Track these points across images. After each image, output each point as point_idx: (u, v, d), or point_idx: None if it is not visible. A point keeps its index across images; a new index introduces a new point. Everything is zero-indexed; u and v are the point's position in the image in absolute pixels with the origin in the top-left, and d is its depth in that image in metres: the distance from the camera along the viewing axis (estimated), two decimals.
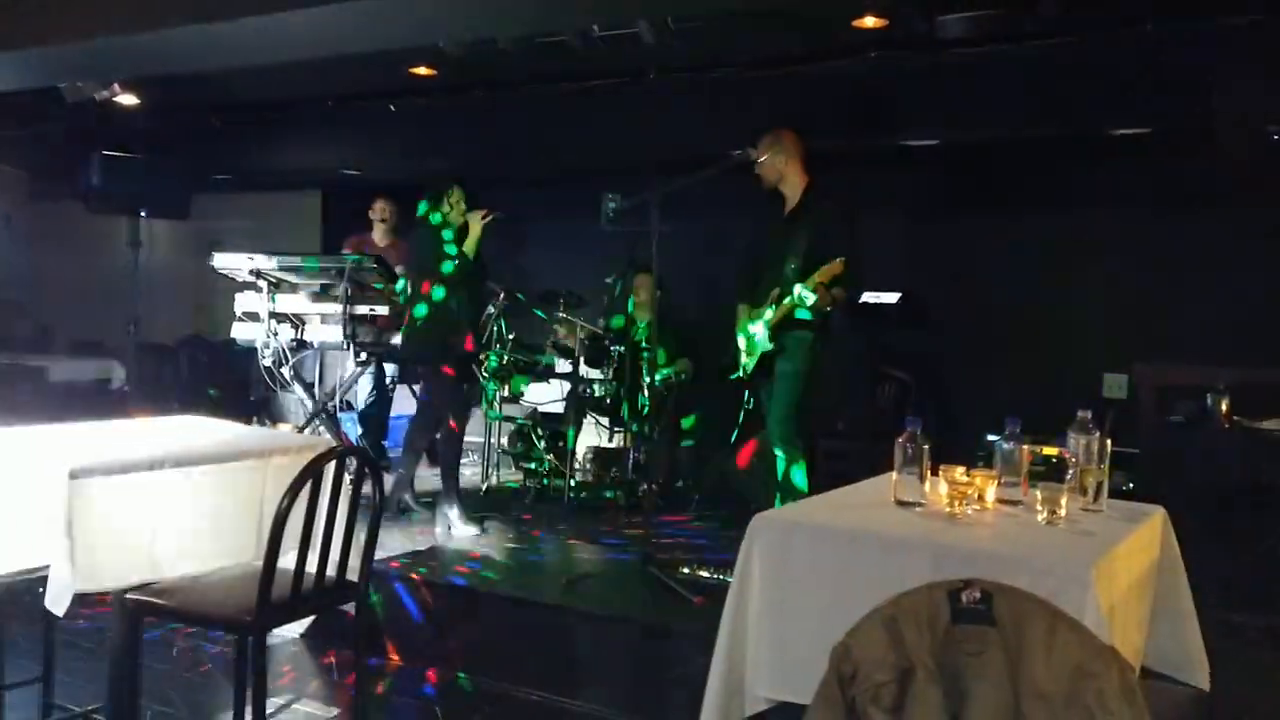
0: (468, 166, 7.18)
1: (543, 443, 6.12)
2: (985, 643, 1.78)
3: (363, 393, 6.80)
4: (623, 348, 6.03)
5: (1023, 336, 6.19)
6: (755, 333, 4.79)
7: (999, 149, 6.17)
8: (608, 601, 4.08)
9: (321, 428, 6.06)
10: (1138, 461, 4.73)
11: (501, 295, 6.32)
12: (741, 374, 5.01)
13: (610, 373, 6.04)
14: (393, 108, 7.21)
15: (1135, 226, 6.00)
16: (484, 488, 6.19)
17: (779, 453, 4.71)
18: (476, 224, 5.24)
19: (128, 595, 2.74)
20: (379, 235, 6.87)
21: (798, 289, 4.47)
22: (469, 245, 5.24)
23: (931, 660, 1.78)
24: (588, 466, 6.09)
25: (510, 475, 6.59)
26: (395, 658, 4.22)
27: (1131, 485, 4.59)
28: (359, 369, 6.27)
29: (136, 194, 6.35)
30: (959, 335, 6.33)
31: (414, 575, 4.44)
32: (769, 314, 4.72)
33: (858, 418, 6.05)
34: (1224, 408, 4.46)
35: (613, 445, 6.16)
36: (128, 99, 6.74)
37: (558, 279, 6.60)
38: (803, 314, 4.56)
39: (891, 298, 6.19)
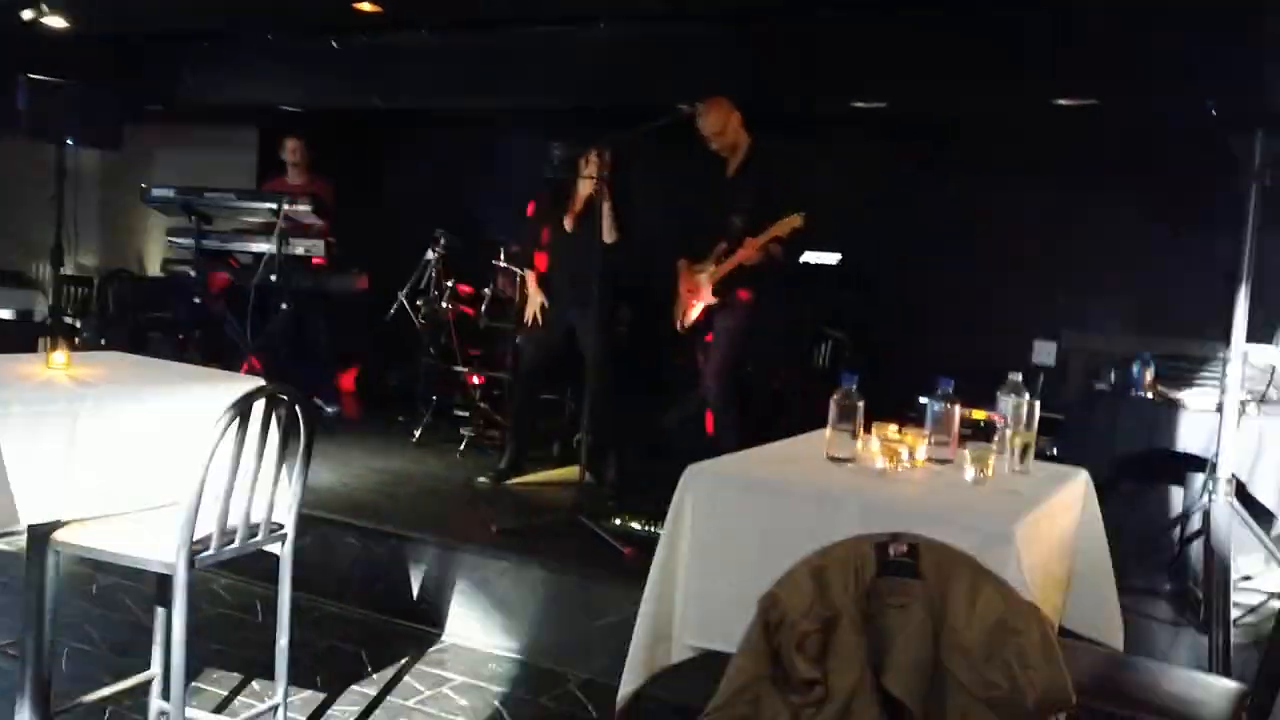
0: (408, 107, 7.06)
1: (478, 392, 6.08)
2: (910, 595, 1.81)
3: (308, 336, 6.68)
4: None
5: (957, 302, 6.27)
6: (697, 286, 4.79)
7: (942, 115, 6.20)
8: (538, 551, 4.08)
9: (253, 367, 5.96)
10: (1063, 427, 4.82)
11: (441, 242, 6.25)
12: (679, 329, 5.01)
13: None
14: (335, 44, 7.04)
15: (1071, 196, 6.09)
16: (417, 435, 6.14)
17: (713, 406, 4.73)
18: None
19: (43, 532, 2.67)
20: (293, 176, 6.72)
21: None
22: None
23: (856, 610, 1.80)
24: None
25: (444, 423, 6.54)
26: (322, 600, 4.19)
27: (1056, 450, 4.69)
28: (286, 310, 6.16)
29: (65, 121, 6.12)
30: (896, 298, 6.39)
31: (343, 518, 4.41)
32: (712, 269, 4.72)
33: (794, 375, 6.09)
34: (1148, 377, 4.56)
35: (550, 396, 6.14)
36: (56, 21, 6.50)
37: (502, 229, 6.53)
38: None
39: (831, 258, 6.23)
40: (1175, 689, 2.23)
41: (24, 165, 8.41)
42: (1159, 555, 4.33)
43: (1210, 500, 3.80)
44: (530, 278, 5.35)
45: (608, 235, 4.75)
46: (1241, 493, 3.81)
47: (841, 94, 5.96)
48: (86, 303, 8.22)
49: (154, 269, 6.58)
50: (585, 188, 4.92)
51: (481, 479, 5.25)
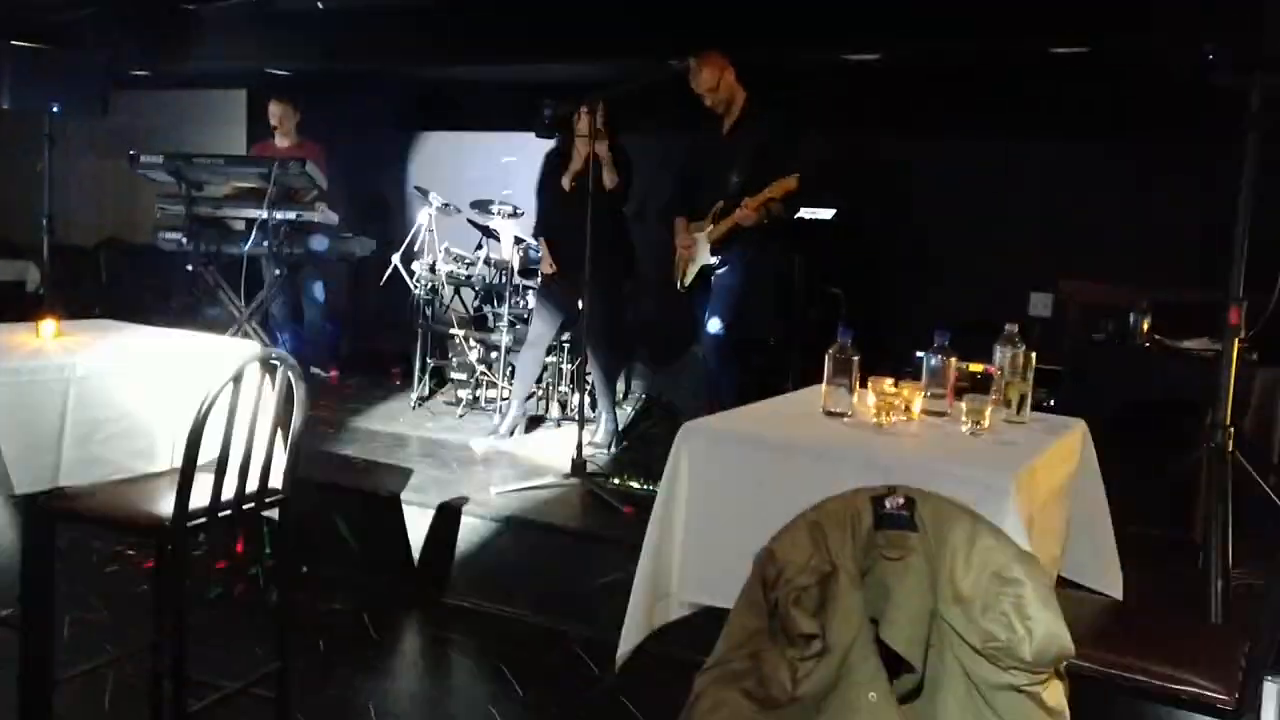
0: (397, 69, 6.99)
1: (474, 354, 6.06)
2: (907, 548, 1.80)
3: (304, 301, 6.66)
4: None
5: (953, 254, 6.25)
6: (695, 245, 4.76)
7: (935, 67, 6.14)
8: (538, 512, 4.08)
9: (249, 334, 5.94)
10: (1060, 378, 4.81)
11: (434, 204, 6.20)
12: (680, 287, 4.99)
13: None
14: (320, 5, 6.94)
15: (1067, 146, 6.05)
16: (414, 398, 6.13)
17: (712, 364, 4.72)
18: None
19: (40, 500, 2.67)
20: (279, 139, 6.66)
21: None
22: None
23: (853, 564, 1.80)
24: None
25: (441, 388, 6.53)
26: (322, 565, 4.20)
27: (1053, 401, 4.68)
28: (285, 275, 6.14)
29: (50, 89, 6.06)
30: (892, 252, 6.36)
31: (343, 482, 4.41)
32: (710, 228, 4.69)
33: (791, 331, 6.08)
34: (1145, 326, 4.54)
35: (550, 359, 6.12)
36: None
37: (494, 188, 6.48)
38: None
39: (826, 214, 6.19)
40: (1175, 638, 2.23)
41: (11, 134, 8.34)
42: (1157, 504, 4.33)
43: (1209, 448, 3.79)
44: (543, 244, 5.32)
45: (607, 181, 4.70)
46: (1239, 439, 3.80)
47: (832, 47, 5.89)
48: (79, 271, 8.18)
49: (145, 237, 6.53)
50: (582, 146, 4.86)
51: (477, 442, 5.24)
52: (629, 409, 5.92)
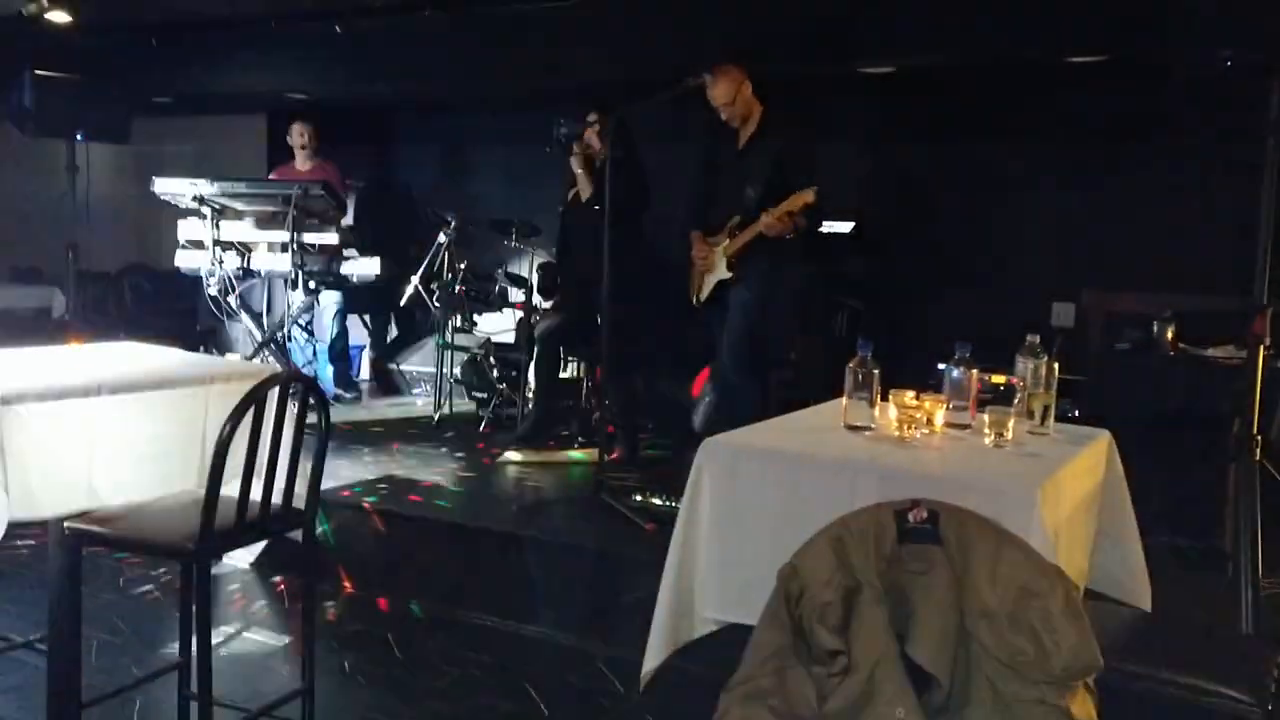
0: (416, 90, 7.03)
1: (495, 372, 6.08)
2: (931, 562, 1.79)
3: (327, 326, 6.70)
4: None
5: (973, 265, 6.23)
6: (712, 260, 4.76)
7: (952, 76, 6.13)
8: (560, 528, 4.08)
9: (270, 358, 5.98)
10: (1084, 388, 4.78)
11: (452, 224, 6.23)
12: (695, 302, 4.98)
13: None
14: (339, 29, 7.00)
15: (1086, 155, 6.02)
16: (436, 418, 6.15)
17: (733, 380, 4.71)
18: None
19: (66, 524, 2.69)
20: (300, 161, 6.72)
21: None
22: None
23: (878, 579, 1.79)
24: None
25: (463, 405, 6.55)
26: (346, 585, 4.21)
27: (1077, 412, 4.65)
28: (307, 299, 6.18)
29: (73, 116, 6.14)
30: (911, 264, 6.34)
31: (365, 503, 4.42)
32: (726, 243, 4.69)
33: (811, 345, 6.06)
34: (1169, 335, 4.51)
35: (566, 375, 6.13)
36: (60, 16, 6.49)
37: (510, 207, 6.50)
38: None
39: (845, 226, 6.17)
40: (1204, 649, 2.21)
41: (35, 161, 8.44)
42: (1185, 514, 4.29)
43: (1236, 457, 3.76)
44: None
45: (583, 193, 4.75)
46: (1267, 448, 3.76)
47: (848, 59, 5.89)
48: (104, 297, 8.26)
49: (169, 261, 6.60)
50: (574, 162, 4.92)
51: (507, 454, 5.24)
52: (650, 425, 5.92)
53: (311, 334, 6.68)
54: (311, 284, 6.07)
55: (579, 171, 4.98)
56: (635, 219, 4.98)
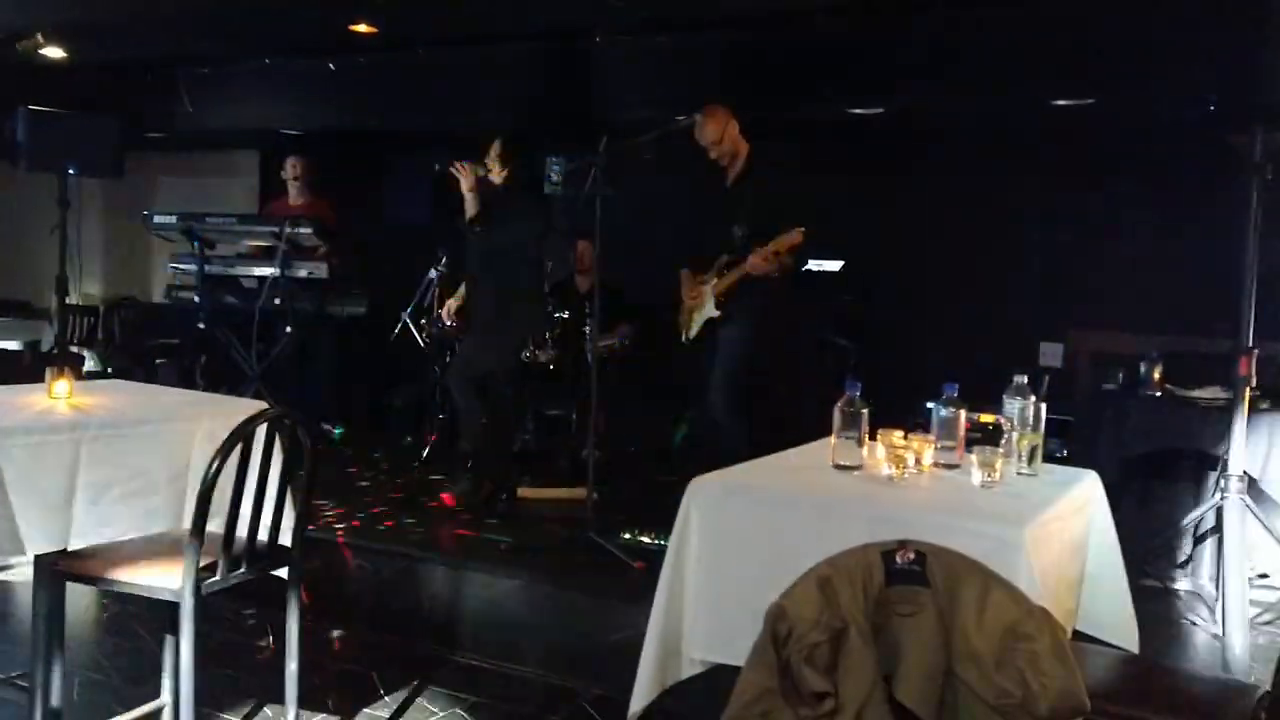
0: (407, 126, 7.07)
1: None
2: (919, 604, 1.79)
3: (317, 360, 6.68)
4: (566, 314, 5.99)
5: (961, 305, 6.26)
6: (701, 297, 4.78)
7: (942, 118, 6.19)
8: (547, 567, 4.06)
9: (259, 393, 5.96)
10: (1072, 428, 4.80)
11: (443, 260, 6.24)
12: (684, 340, 5.00)
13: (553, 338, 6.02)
14: (332, 66, 7.06)
15: (1073, 196, 6.07)
16: (424, 454, 6.13)
17: (721, 418, 4.71)
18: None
19: (51, 562, 2.67)
20: (294, 196, 6.74)
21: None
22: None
23: (865, 620, 1.78)
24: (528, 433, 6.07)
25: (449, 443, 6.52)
26: (331, 624, 4.18)
27: (1066, 452, 4.66)
28: (297, 333, 6.16)
29: (65, 150, 6.15)
30: (900, 304, 6.37)
31: (351, 541, 4.40)
32: (715, 281, 4.71)
33: (799, 384, 6.07)
34: (1156, 375, 4.53)
35: (556, 412, 6.13)
36: (54, 52, 6.53)
37: None
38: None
39: (834, 266, 6.21)
40: (1192, 690, 2.21)
41: (27, 196, 8.45)
42: (1172, 555, 4.30)
43: (1223, 498, 3.77)
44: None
45: (469, 210, 4.91)
46: (1254, 489, 3.78)
47: (838, 100, 5.95)
48: (93, 331, 8.24)
49: (159, 296, 6.60)
50: (462, 184, 4.98)
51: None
52: (639, 463, 5.91)
53: (301, 368, 6.66)
54: (301, 318, 6.06)
55: (466, 193, 5.00)
56: (524, 248, 5.02)
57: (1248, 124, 3.88)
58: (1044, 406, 2.75)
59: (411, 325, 6.37)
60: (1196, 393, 4.45)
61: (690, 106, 4.71)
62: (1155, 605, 3.36)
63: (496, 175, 4.95)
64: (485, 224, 4.91)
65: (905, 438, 2.67)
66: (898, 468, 2.61)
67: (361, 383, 7.55)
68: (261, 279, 6.03)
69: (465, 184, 4.95)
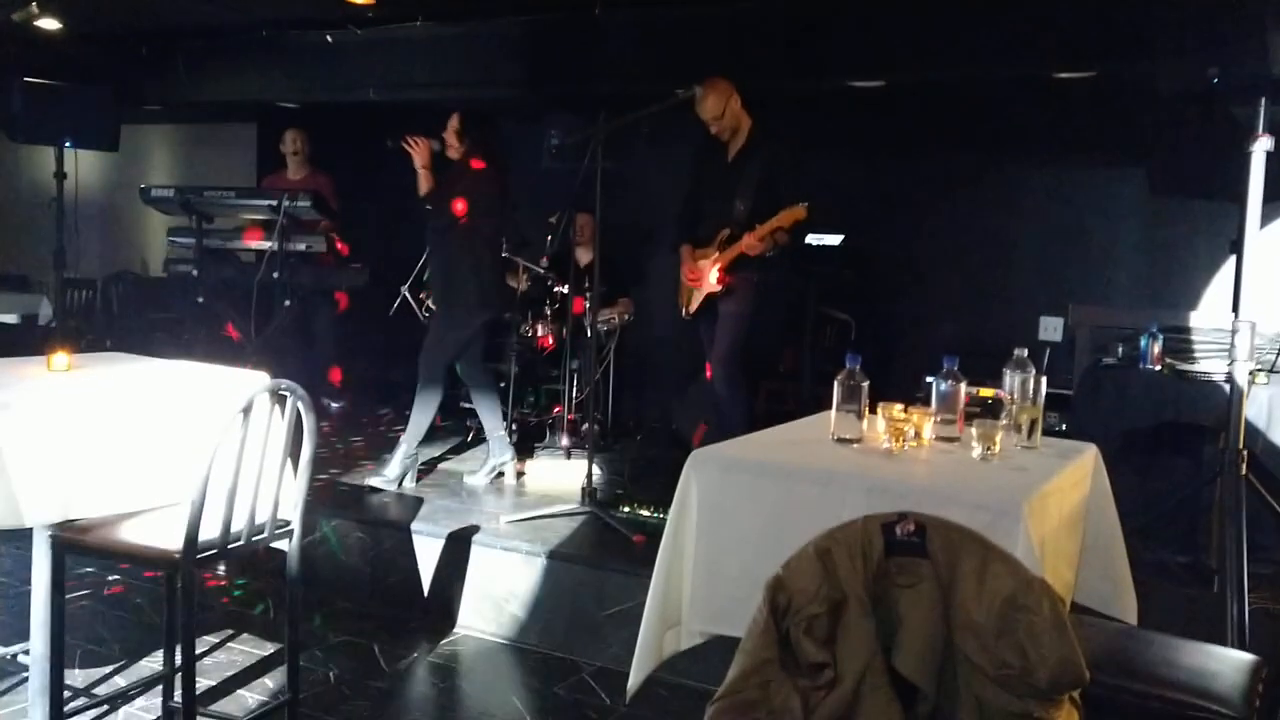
0: (407, 100, 7.02)
1: None
2: (918, 575, 1.79)
3: (317, 334, 6.67)
4: (565, 288, 5.98)
5: (962, 280, 6.25)
6: (701, 273, 4.77)
7: (943, 91, 6.16)
8: (548, 541, 4.07)
9: (259, 367, 5.95)
10: (1071, 402, 4.79)
11: None
12: (685, 315, 4.99)
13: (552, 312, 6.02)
14: (330, 38, 7.00)
15: (1074, 171, 6.05)
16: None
17: (721, 392, 4.72)
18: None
19: (50, 533, 2.67)
20: (293, 169, 6.71)
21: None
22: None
23: (864, 592, 1.79)
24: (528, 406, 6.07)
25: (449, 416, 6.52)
26: (332, 596, 4.19)
27: (1065, 426, 4.66)
28: (297, 307, 6.15)
29: (61, 123, 6.12)
30: (899, 277, 6.36)
31: (351, 513, 4.41)
32: (715, 255, 4.70)
33: (799, 358, 6.07)
34: (1156, 350, 4.52)
35: (556, 386, 6.13)
36: (49, 23, 6.48)
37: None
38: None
39: (834, 240, 6.19)
40: (1190, 662, 2.21)
41: (23, 169, 8.43)
42: (1171, 528, 4.30)
43: (1222, 471, 3.77)
44: None
45: (423, 188, 4.86)
46: (1253, 462, 3.78)
47: (838, 74, 5.91)
48: (90, 305, 8.22)
49: (156, 269, 6.57)
50: (416, 160, 4.93)
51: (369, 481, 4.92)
52: (638, 437, 5.92)
53: (301, 342, 6.66)
54: (301, 292, 6.04)
55: (419, 169, 4.93)
56: (481, 227, 4.88)
57: (1251, 97, 3.85)
58: (1044, 380, 2.75)
59: (410, 299, 6.35)
60: (1196, 367, 4.45)
61: (691, 79, 4.68)
62: (1154, 578, 3.37)
63: (454, 151, 4.90)
64: (436, 201, 4.87)
65: (905, 411, 2.68)
66: (897, 441, 2.61)
67: (361, 357, 7.55)
68: (260, 252, 6.01)
69: (418, 160, 4.90)
